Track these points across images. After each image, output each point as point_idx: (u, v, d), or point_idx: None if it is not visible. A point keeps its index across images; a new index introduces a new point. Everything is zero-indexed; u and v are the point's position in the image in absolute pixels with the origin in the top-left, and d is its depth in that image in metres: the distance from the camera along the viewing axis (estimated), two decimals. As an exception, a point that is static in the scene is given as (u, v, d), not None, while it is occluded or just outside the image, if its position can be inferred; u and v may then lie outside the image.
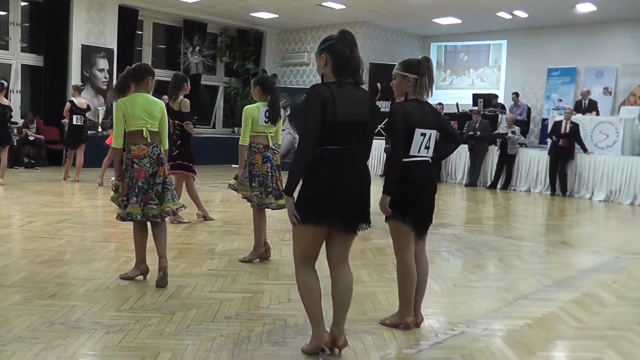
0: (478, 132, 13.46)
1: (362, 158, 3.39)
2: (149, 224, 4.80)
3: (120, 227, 6.76)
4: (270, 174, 5.47)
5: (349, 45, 3.29)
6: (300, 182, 3.29)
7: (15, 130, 11.77)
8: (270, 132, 5.54)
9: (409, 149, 3.76)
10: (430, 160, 3.93)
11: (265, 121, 5.47)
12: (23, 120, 13.48)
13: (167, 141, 4.90)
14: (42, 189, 10.03)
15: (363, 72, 3.40)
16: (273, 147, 5.55)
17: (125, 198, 4.63)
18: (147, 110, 4.66)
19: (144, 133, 4.62)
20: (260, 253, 5.58)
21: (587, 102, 13.87)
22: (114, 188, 4.75)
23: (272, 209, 5.59)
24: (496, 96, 15.47)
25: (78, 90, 11.49)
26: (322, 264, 5.34)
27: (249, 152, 5.50)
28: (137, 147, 4.61)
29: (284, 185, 5.34)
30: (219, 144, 16.21)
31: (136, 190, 4.58)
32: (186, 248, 6.06)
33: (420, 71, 3.79)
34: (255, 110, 5.46)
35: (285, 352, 3.44)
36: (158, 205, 4.67)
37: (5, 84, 10.62)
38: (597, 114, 13.37)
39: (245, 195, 5.55)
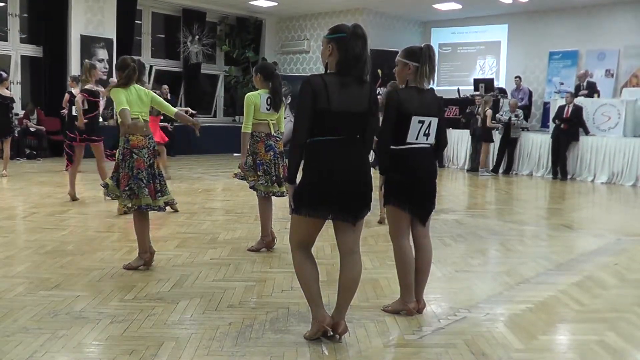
0: (479, 115, 13.43)
1: (361, 148, 3.39)
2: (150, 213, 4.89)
3: (123, 217, 6.81)
4: (273, 162, 5.48)
5: (360, 45, 3.29)
6: (301, 171, 3.32)
7: (16, 122, 11.78)
8: (272, 120, 5.52)
9: (405, 136, 3.77)
10: (430, 147, 3.92)
11: (267, 108, 5.43)
12: (24, 111, 13.49)
13: (171, 108, 5.11)
14: (44, 180, 10.05)
15: (369, 71, 3.39)
16: (275, 135, 5.54)
17: (127, 188, 4.67)
18: (141, 99, 4.81)
19: (140, 122, 4.74)
20: (268, 242, 5.60)
21: (585, 84, 13.80)
22: (103, 184, 4.88)
23: (278, 197, 5.59)
24: (492, 79, 15.51)
25: (76, 80, 11.42)
26: (325, 252, 5.38)
27: (252, 141, 5.49)
28: (135, 138, 4.70)
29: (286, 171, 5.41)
30: (220, 132, 16.21)
31: (144, 182, 4.68)
32: (189, 237, 6.08)
33: (421, 59, 3.79)
34: (257, 98, 5.43)
35: (288, 340, 3.46)
36: (162, 196, 4.82)
37: (5, 75, 10.60)
38: (598, 96, 13.32)
39: (252, 185, 5.54)
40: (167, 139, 10.84)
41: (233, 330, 3.59)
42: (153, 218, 7.00)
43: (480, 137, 13.33)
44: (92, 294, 4.17)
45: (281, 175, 5.49)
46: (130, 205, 4.71)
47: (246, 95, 5.50)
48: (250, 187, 5.59)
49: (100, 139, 8.15)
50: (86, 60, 8.45)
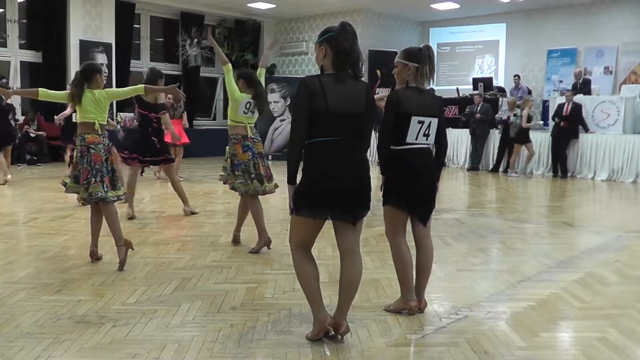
0: (479, 115, 13.43)
1: (359, 149, 3.40)
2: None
3: (124, 222, 6.80)
4: (252, 162, 5.62)
5: (350, 38, 3.31)
6: (301, 172, 3.34)
7: (17, 127, 11.78)
8: (249, 123, 5.70)
9: (405, 136, 3.78)
10: (430, 148, 3.93)
11: (244, 112, 5.65)
12: (24, 117, 13.50)
13: (137, 87, 5.38)
14: (45, 185, 10.06)
15: (363, 65, 3.43)
16: (252, 137, 5.69)
17: (85, 181, 4.92)
18: (97, 103, 5.01)
19: (96, 125, 4.99)
20: (266, 240, 5.64)
21: (580, 81, 13.80)
22: (62, 183, 5.13)
23: (261, 194, 5.69)
24: (491, 78, 15.52)
25: None
26: (326, 252, 5.39)
27: (230, 144, 5.70)
28: (90, 136, 4.98)
29: (269, 171, 5.68)
30: (220, 135, 16.14)
31: (94, 172, 4.92)
32: (190, 240, 6.09)
33: (421, 60, 3.81)
34: (242, 99, 5.65)
35: (290, 341, 3.47)
36: (113, 190, 5.05)
37: (5, 80, 10.61)
38: (590, 93, 13.29)
39: (232, 186, 5.70)
40: (187, 140, 10.89)
41: (235, 332, 3.59)
42: (153, 222, 7.04)
43: (516, 138, 12.74)
44: (94, 298, 4.18)
45: (262, 173, 5.63)
46: (86, 196, 4.96)
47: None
48: (231, 189, 5.75)
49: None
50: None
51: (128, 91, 5.45)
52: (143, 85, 5.46)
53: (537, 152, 13.12)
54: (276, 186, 5.76)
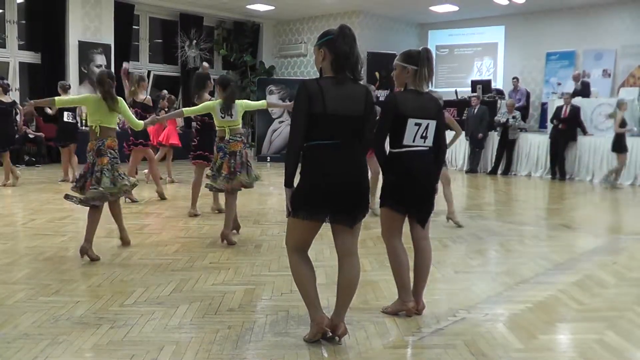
0: (481, 135, 13.46)
1: (358, 152, 3.41)
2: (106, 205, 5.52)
3: (128, 221, 6.80)
4: (221, 162, 6.12)
5: (349, 41, 3.32)
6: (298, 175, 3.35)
7: (16, 128, 11.76)
8: (229, 126, 6.15)
9: (402, 139, 3.78)
10: (428, 150, 3.93)
11: (221, 116, 6.17)
12: (22, 118, 13.47)
13: (137, 122, 5.69)
14: (43, 187, 10.05)
15: (362, 68, 3.44)
16: (229, 139, 6.13)
17: (75, 182, 5.40)
18: (101, 108, 5.29)
19: (95, 128, 5.28)
20: (227, 233, 5.94)
21: (579, 84, 13.80)
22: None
23: (220, 190, 6.22)
24: (489, 81, 15.54)
25: (64, 89, 11.17)
26: (324, 254, 5.38)
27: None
28: (90, 143, 5.32)
29: (238, 168, 6.03)
30: (219, 136, 16.20)
31: (77, 177, 5.39)
32: (188, 241, 6.09)
33: (419, 62, 3.82)
34: (215, 105, 6.22)
35: (288, 342, 3.47)
36: (96, 188, 5.21)
37: (6, 81, 10.59)
38: (589, 96, 13.29)
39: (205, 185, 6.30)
40: (178, 142, 10.93)
41: (233, 333, 3.59)
42: (152, 223, 7.04)
43: (613, 146, 11.55)
44: (92, 299, 4.18)
45: (223, 173, 6.02)
46: (80, 197, 5.31)
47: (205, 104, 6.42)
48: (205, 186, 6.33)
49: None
50: (135, 73, 8.77)
51: (127, 116, 5.57)
52: (142, 122, 5.81)
53: (536, 154, 13.13)
54: (243, 185, 6.14)
